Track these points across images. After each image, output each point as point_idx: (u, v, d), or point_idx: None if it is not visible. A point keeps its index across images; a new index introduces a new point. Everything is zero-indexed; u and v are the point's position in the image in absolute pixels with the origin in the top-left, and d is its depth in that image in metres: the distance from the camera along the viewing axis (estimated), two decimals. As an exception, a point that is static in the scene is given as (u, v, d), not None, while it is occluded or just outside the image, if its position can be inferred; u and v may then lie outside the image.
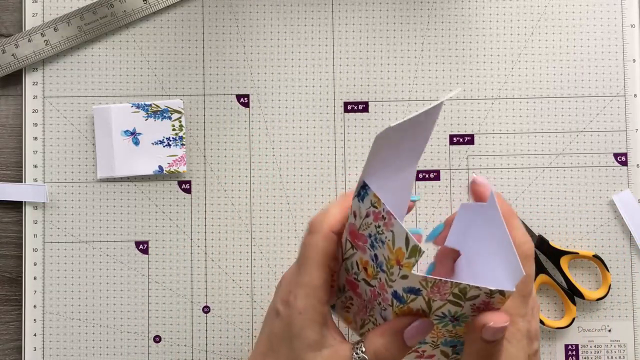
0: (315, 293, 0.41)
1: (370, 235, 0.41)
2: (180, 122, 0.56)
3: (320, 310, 0.41)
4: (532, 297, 0.43)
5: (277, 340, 0.42)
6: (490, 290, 0.37)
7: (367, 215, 0.41)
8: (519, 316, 0.42)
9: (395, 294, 0.40)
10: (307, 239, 0.43)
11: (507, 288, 0.37)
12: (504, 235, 0.39)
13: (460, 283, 0.37)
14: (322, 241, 0.42)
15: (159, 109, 0.56)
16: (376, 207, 0.40)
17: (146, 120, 0.56)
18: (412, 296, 0.39)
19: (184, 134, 0.56)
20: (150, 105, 0.56)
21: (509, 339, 0.41)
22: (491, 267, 0.40)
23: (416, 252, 0.37)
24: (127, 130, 0.56)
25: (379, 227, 0.40)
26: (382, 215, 0.39)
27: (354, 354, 0.40)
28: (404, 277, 0.38)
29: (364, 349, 0.40)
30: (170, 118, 0.56)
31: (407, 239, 0.37)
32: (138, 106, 0.56)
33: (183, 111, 0.57)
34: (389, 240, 0.39)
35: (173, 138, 0.56)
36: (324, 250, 0.42)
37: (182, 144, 0.56)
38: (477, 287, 0.37)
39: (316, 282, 0.41)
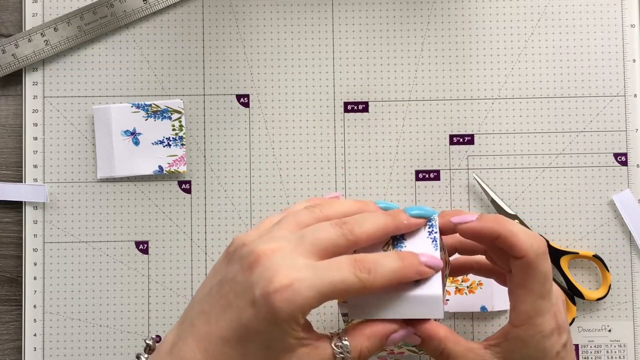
0: (306, 311, 0.38)
1: None
2: (180, 122, 0.56)
3: (303, 322, 0.38)
4: (553, 292, 0.43)
5: (249, 335, 0.38)
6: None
7: None
8: (539, 316, 0.42)
9: None
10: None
11: (431, 316, 0.41)
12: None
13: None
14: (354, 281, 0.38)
15: (159, 109, 0.56)
16: None
17: (146, 120, 0.56)
18: None
19: (184, 134, 0.56)
20: (150, 105, 0.56)
21: (526, 343, 0.42)
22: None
23: None
24: (127, 130, 0.56)
25: None
26: None
27: (336, 349, 0.39)
28: None
29: (348, 346, 0.39)
30: (170, 118, 0.56)
31: None
32: (138, 106, 0.56)
33: (183, 111, 0.57)
34: None
35: (173, 138, 0.56)
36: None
37: (182, 144, 0.56)
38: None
39: (315, 304, 0.38)
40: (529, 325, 0.41)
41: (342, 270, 0.38)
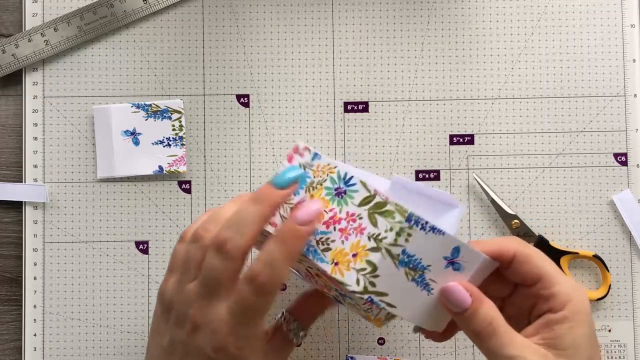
0: (261, 343, 0.40)
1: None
2: (180, 122, 0.56)
3: (265, 352, 0.41)
4: None
5: None
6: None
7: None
8: (576, 291, 0.42)
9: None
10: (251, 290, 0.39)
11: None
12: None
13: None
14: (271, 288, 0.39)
15: (159, 109, 0.56)
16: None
17: (146, 120, 0.56)
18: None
19: (184, 134, 0.56)
20: (150, 105, 0.56)
21: (576, 321, 0.40)
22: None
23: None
24: (127, 130, 0.56)
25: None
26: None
27: (282, 318, 0.44)
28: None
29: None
30: (170, 118, 0.56)
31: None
32: (138, 106, 0.56)
33: (183, 111, 0.57)
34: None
35: (173, 138, 0.56)
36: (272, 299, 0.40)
37: (182, 144, 0.56)
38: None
39: (260, 332, 0.40)
40: (572, 303, 0.41)
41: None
